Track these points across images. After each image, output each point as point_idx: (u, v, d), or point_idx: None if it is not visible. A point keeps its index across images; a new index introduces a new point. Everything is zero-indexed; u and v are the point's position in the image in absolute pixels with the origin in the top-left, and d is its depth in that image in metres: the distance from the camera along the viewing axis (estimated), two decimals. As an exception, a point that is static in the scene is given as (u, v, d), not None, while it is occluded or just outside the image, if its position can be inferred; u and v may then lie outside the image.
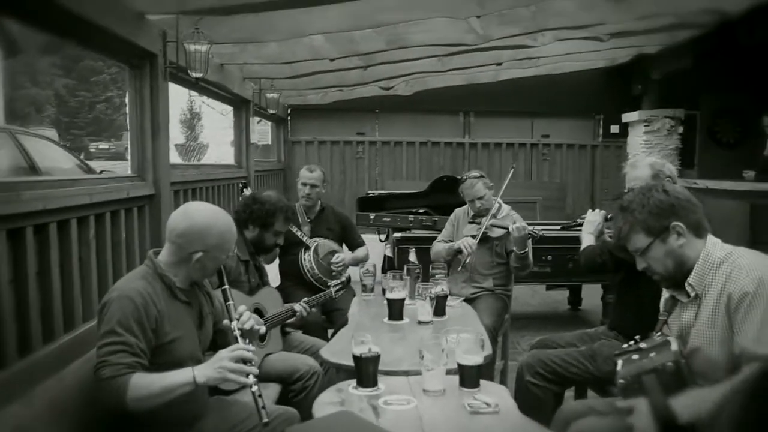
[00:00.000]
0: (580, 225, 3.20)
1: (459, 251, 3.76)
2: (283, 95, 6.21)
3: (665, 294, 2.18)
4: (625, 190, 3.17)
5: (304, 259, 4.02)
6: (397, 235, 5.21)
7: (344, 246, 4.28)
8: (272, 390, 2.75)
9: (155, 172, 3.29)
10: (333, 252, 4.08)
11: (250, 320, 2.20)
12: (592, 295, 6.07)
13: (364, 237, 4.45)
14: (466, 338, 2.10)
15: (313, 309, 3.25)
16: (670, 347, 1.84)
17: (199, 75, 3.43)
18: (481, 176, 3.89)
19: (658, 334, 2.04)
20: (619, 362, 1.90)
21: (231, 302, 2.18)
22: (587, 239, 3.04)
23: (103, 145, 24.14)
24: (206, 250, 2.06)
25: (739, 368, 1.77)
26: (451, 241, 4.00)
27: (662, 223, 1.96)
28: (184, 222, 2.07)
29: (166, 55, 3.35)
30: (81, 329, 2.33)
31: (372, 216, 5.43)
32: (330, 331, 3.74)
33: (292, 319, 3.07)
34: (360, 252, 4.22)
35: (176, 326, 2.04)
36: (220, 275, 2.22)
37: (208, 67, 3.62)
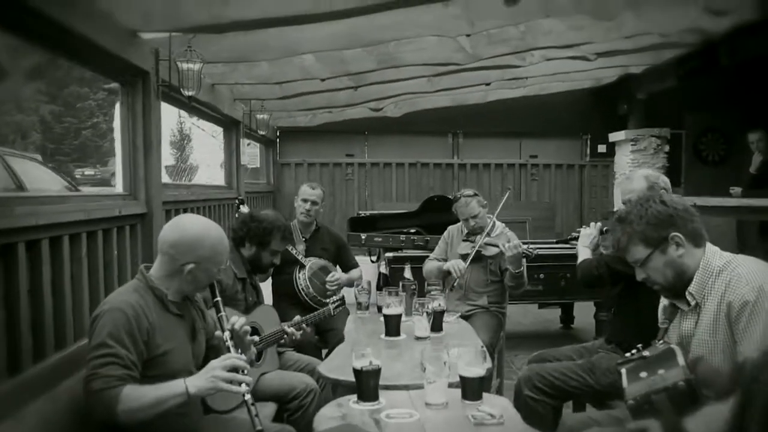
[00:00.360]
0: (576, 239, 3.21)
1: (448, 273, 3.77)
2: (273, 116, 6.21)
3: (663, 301, 2.18)
4: (613, 210, 3.19)
5: (299, 278, 3.98)
6: (389, 254, 5.18)
7: (338, 267, 4.25)
8: (269, 409, 2.70)
9: (147, 191, 3.26)
10: (327, 272, 4.05)
11: (241, 319, 2.17)
12: (584, 313, 6.07)
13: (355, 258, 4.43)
14: (468, 351, 2.08)
15: (308, 328, 3.21)
16: (677, 360, 1.80)
17: (191, 93, 3.42)
18: (475, 194, 3.90)
19: (660, 342, 2.02)
20: (624, 374, 1.87)
21: (223, 313, 2.14)
22: (583, 253, 3.04)
23: (89, 171, 23.93)
24: (198, 261, 2.04)
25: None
26: (445, 259, 3.99)
27: (661, 234, 1.96)
28: (176, 233, 2.05)
29: (159, 73, 3.34)
30: (72, 347, 2.27)
31: (363, 236, 5.39)
32: (324, 351, 3.69)
33: (284, 339, 3.02)
34: (354, 273, 4.19)
35: (168, 339, 2.01)
36: (212, 288, 2.19)
37: (200, 87, 3.62)
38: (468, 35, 4.00)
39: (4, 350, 2.00)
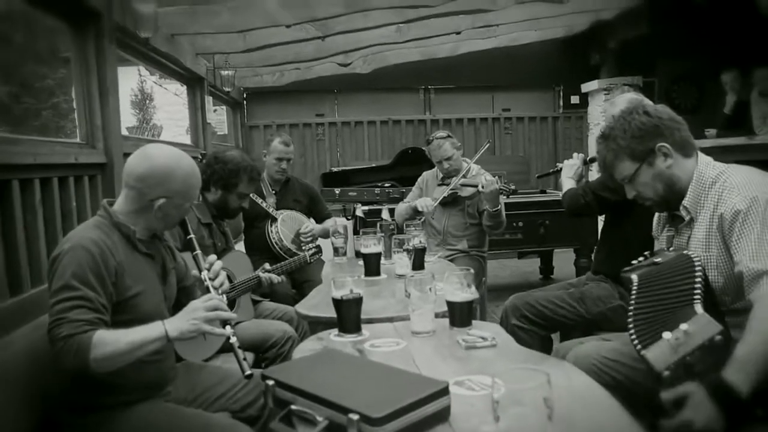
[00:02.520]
0: (558, 171, 3.11)
1: (416, 210, 3.72)
2: (238, 74, 5.97)
3: (657, 216, 2.09)
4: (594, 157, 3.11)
5: (272, 231, 3.83)
6: (365, 208, 5.05)
7: (312, 220, 4.11)
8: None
9: (106, 140, 3.06)
10: (300, 222, 3.91)
11: (222, 274, 2.00)
12: (563, 262, 6.04)
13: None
14: (454, 276, 1.96)
15: (282, 276, 3.07)
16: (695, 308, 1.60)
17: (148, 34, 3.21)
18: (449, 136, 3.80)
19: (671, 249, 1.93)
20: (648, 355, 1.61)
21: (198, 252, 1.99)
22: (568, 183, 2.95)
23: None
24: (169, 196, 1.86)
25: (742, 289, 1.68)
26: None
27: (647, 146, 1.87)
28: (144, 164, 1.86)
29: (112, 15, 3.12)
30: (28, 293, 2.10)
31: (337, 191, 5.26)
32: (301, 303, 3.56)
33: (262, 284, 2.88)
34: (328, 223, 4.05)
35: (138, 280, 1.83)
36: (184, 225, 2.03)
37: (157, 31, 3.41)
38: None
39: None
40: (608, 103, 2.88)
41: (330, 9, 4.34)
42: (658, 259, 1.82)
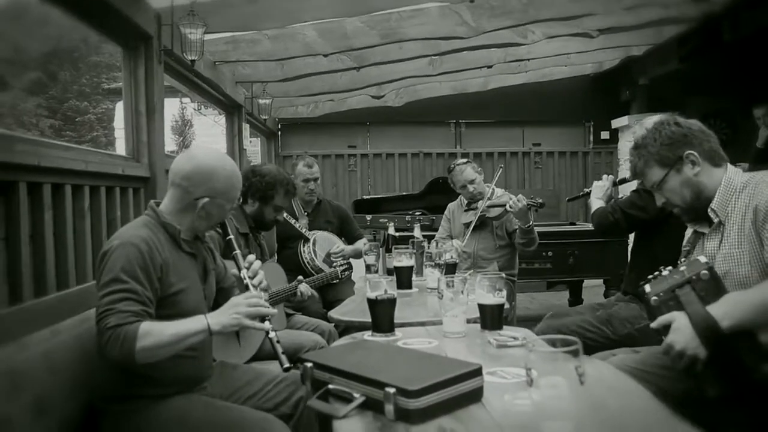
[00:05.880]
0: (588, 195, 3.15)
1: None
2: (275, 105, 6.16)
3: (688, 233, 2.13)
4: (625, 177, 3.17)
5: (304, 251, 3.92)
6: (395, 234, 5.10)
7: (343, 239, 4.18)
8: (277, 366, 2.62)
9: (150, 156, 3.22)
10: (332, 243, 3.99)
11: (260, 273, 2.08)
12: (592, 294, 5.99)
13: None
14: (485, 280, 2.00)
15: (314, 293, 3.14)
16: (699, 259, 1.76)
17: (194, 57, 3.37)
18: (468, 161, 3.90)
19: (683, 260, 1.96)
20: (647, 287, 1.81)
21: (238, 252, 2.07)
22: (596, 204, 2.99)
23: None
24: (212, 195, 1.95)
25: None
26: (450, 236, 3.97)
27: (676, 153, 1.94)
28: (190, 164, 1.96)
29: (161, 38, 3.30)
30: (74, 288, 2.21)
31: (369, 217, 5.34)
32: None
33: (298, 295, 2.95)
34: (359, 244, 4.12)
35: (182, 277, 1.91)
36: (224, 227, 2.12)
37: (202, 59, 3.58)
38: (472, 0, 3.95)
39: (5, 284, 1.93)
40: (638, 124, 2.93)
41: (366, 39, 4.50)
42: (669, 269, 1.86)
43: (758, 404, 1.69)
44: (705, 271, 1.69)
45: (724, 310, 1.63)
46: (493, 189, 3.86)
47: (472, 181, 3.80)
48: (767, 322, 1.62)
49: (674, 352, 1.66)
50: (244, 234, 2.90)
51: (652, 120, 2.85)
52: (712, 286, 1.69)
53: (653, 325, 1.73)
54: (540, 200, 3.43)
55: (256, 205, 2.99)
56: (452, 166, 3.91)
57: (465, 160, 3.91)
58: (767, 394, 1.65)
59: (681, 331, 1.65)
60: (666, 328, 1.69)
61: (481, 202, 3.76)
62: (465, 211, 3.92)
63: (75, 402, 1.82)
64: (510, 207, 3.40)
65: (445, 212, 4.13)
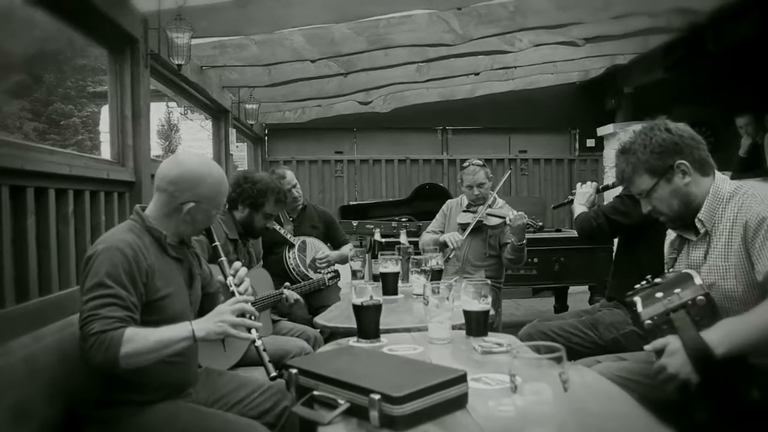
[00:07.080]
0: (571, 202, 3.17)
1: (445, 245, 3.72)
2: (261, 110, 6.14)
3: (670, 236, 2.13)
4: (608, 184, 3.18)
5: (289, 257, 3.90)
6: (381, 240, 5.11)
7: (329, 245, 4.18)
8: (262, 373, 2.61)
9: (136, 160, 3.18)
10: (317, 248, 3.98)
11: (246, 280, 2.07)
12: (578, 301, 6.02)
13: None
14: (471, 286, 2.00)
15: (299, 300, 3.13)
16: (694, 280, 1.74)
17: (181, 62, 3.36)
18: (484, 165, 3.89)
19: (671, 270, 1.97)
20: (638, 301, 1.80)
21: (224, 258, 2.06)
22: (579, 209, 3.01)
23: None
24: (198, 200, 1.94)
25: (761, 296, 1.71)
26: (442, 231, 3.96)
27: (666, 162, 1.90)
28: (177, 169, 1.95)
29: (147, 42, 3.29)
30: (57, 294, 2.18)
31: (355, 223, 5.34)
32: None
33: (283, 300, 2.94)
34: (345, 249, 4.12)
35: (167, 283, 1.90)
36: (210, 233, 2.11)
37: (189, 64, 3.57)
38: (459, 8, 3.97)
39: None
40: (623, 131, 2.96)
41: (354, 45, 4.50)
42: (659, 280, 1.86)
43: (746, 429, 1.68)
44: (701, 297, 1.68)
45: (720, 338, 1.61)
46: (495, 197, 3.87)
47: (480, 185, 3.79)
48: (761, 348, 1.61)
49: (665, 375, 1.65)
50: (233, 240, 2.90)
51: (638, 127, 2.90)
52: (708, 311, 1.68)
53: (647, 348, 1.71)
54: (540, 223, 3.45)
55: (246, 211, 2.98)
56: (467, 163, 3.91)
57: (481, 162, 3.90)
58: (755, 419, 1.65)
59: (675, 355, 1.64)
60: (660, 352, 1.68)
61: (481, 207, 3.78)
62: (464, 211, 3.92)
63: (56, 408, 1.80)
64: (510, 221, 3.40)
65: (443, 207, 4.12)
